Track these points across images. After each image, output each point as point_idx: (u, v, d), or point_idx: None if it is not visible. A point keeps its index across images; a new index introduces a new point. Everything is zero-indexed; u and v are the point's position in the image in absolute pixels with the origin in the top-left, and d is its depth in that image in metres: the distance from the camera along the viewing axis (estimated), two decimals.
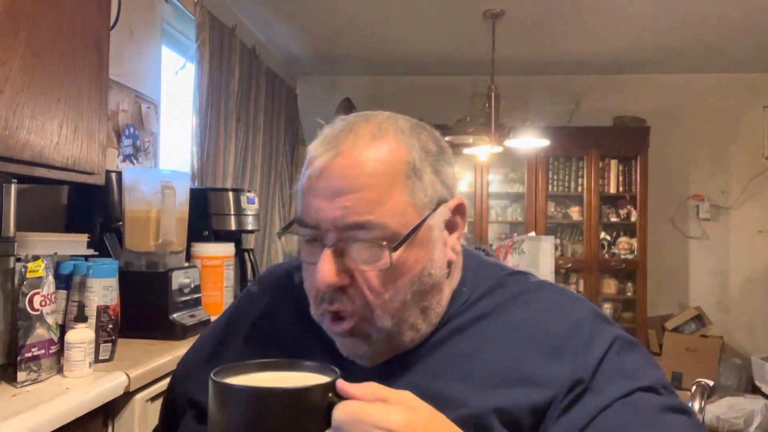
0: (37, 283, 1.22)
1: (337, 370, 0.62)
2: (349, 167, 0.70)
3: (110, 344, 1.41)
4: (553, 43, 4.14)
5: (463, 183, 4.82)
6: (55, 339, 1.27)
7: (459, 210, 0.77)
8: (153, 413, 1.37)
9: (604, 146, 4.67)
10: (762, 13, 3.52)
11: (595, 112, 4.77)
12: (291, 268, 0.87)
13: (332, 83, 4.93)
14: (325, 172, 0.70)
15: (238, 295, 0.99)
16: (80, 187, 1.77)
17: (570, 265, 4.69)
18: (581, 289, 4.60)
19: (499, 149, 3.77)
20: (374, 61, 4.62)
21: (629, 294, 4.69)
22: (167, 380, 1.03)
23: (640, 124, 4.65)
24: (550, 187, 4.74)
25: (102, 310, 1.39)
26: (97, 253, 1.70)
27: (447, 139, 3.64)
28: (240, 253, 2.34)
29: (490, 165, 4.68)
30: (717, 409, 3.83)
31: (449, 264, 0.77)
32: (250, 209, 2.35)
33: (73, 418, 1.14)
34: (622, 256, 4.68)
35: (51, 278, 1.26)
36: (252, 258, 2.47)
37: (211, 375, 0.60)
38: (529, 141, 3.73)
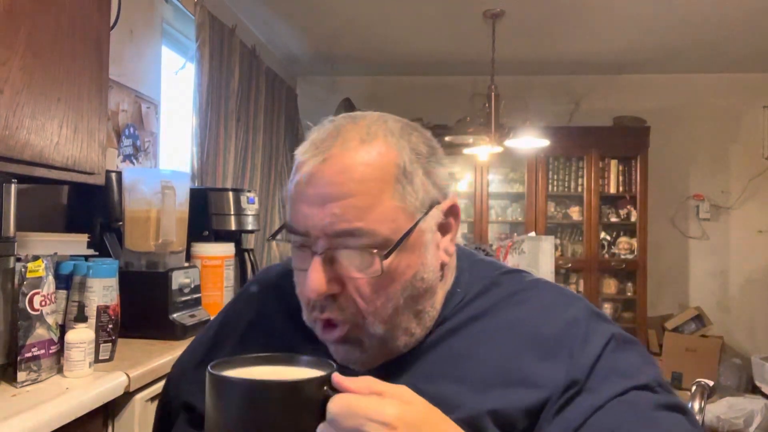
0: (37, 283, 1.22)
1: (333, 364, 0.63)
2: (337, 173, 0.68)
3: (110, 344, 1.41)
4: (553, 43, 4.14)
5: (463, 183, 4.83)
6: (55, 339, 1.27)
7: (452, 211, 0.76)
8: (153, 413, 1.36)
9: (604, 146, 4.67)
10: (762, 13, 3.52)
11: (595, 112, 4.77)
12: (287, 269, 0.87)
13: (332, 83, 4.93)
14: (313, 179, 0.69)
15: (237, 292, 0.99)
16: (80, 187, 1.77)
17: (570, 265, 4.69)
18: (581, 289, 4.60)
19: (499, 149, 3.77)
20: (374, 61, 4.62)
21: (629, 294, 4.69)
22: None
23: (640, 124, 4.65)
24: (550, 187, 4.74)
25: (102, 310, 1.39)
26: (97, 253, 1.70)
27: (447, 139, 3.60)
28: (240, 253, 2.34)
29: (490, 165, 4.68)
30: (717, 409, 3.83)
31: (442, 266, 0.76)
32: (250, 209, 2.35)
33: (73, 418, 1.14)
34: (622, 256, 4.68)
35: (51, 278, 1.26)
36: (252, 258, 2.47)
37: (209, 367, 0.60)
38: (529, 141, 3.73)
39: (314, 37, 4.18)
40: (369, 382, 0.60)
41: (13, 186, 1.34)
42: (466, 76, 4.70)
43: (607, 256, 4.71)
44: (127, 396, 1.34)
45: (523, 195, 4.77)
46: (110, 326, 1.40)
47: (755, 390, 4.22)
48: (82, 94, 1.50)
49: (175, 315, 1.70)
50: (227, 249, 2.11)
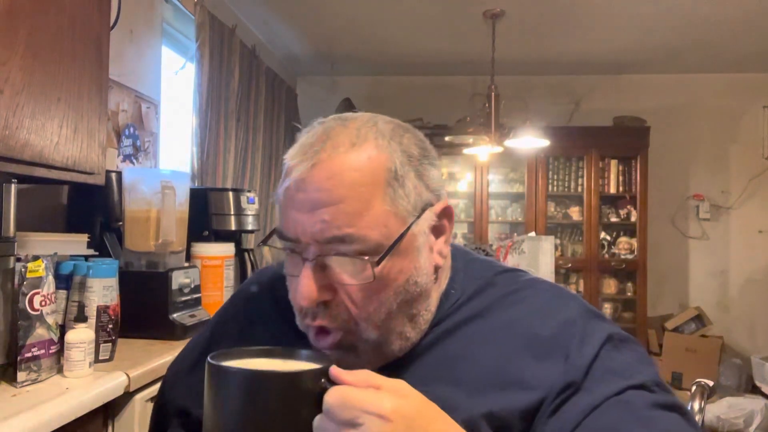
0: (37, 283, 1.22)
1: (331, 357, 0.63)
2: (327, 179, 0.66)
3: (110, 344, 1.41)
4: (553, 43, 4.14)
5: (463, 183, 4.83)
6: (55, 339, 1.27)
7: (446, 213, 0.74)
8: None
9: (604, 146, 4.67)
10: (762, 13, 3.52)
11: (595, 112, 4.77)
12: (281, 271, 0.86)
13: (332, 83, 4.93)
14: (303, 184, 0.67)
15: (234, 293, 0.98)
16: (80, 187, 1.77)
17: (570, 265, 4.69)
18: (581, 289, 4.60)
19: (499, 149, 3.77)
20: (374, 61, 4.62)
21: (629, 294, 4.69)
22: None
23: (640, 124, 4.65)
24: (550, 187, 4.74)
25: (102, 310, 1.39)
26: (97, 253, 1.70)
27: (447, 139, 3.60)
28: (240, 253, 2.34)
29: (490, 165, 4.68)
30: (717, 409, 3.83)
31: (436, 269, 0.75)
32: (250, 209, 2.35)
33: (73, 418, 1.14)
34: (622, 256, 4.68)
35: (51, 278, 1.26)
36: (252, 258, 2.47)
37: (209, 358, 0.61)
38: (529, 141, 3.73)
39: (314, 37, 4.18)
40: (367, 375, 0.60)
41: (13, 186, 1.34)
42: (466, 76, 4.70)
43: (607, 256, 4.71)
44: (127, 396, 1.34)
45: (523, 195, 4.77)
46: (110, 326, 1.40)
47: (755, 390, 4.22)
48: (82, 94, 1.50)
49: (175, 315, 1.70)
50: (227, 249, 2.11)
